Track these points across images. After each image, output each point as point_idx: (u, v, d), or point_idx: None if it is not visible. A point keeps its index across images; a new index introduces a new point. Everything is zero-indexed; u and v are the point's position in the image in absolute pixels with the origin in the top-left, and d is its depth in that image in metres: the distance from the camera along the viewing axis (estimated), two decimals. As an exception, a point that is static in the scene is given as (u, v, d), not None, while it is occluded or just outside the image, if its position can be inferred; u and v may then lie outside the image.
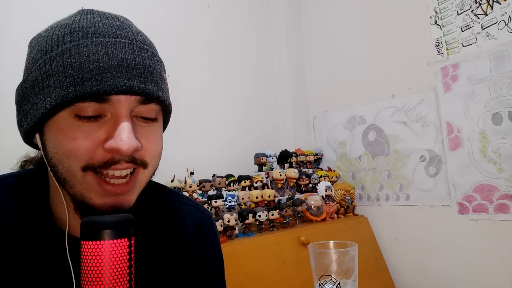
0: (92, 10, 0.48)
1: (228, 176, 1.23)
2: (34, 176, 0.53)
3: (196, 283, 0.59)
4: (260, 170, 1.43)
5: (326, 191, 1.47)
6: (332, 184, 1.53)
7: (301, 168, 1.59)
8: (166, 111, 0.51)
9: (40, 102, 0.43)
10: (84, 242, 0.36)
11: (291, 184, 1.44)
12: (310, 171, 1.60)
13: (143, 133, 0.46)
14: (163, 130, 0.55)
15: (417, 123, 1.46)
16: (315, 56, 1.89)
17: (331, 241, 0.75)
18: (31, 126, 0.44)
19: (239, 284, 0.96)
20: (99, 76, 0.41)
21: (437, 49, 1.40)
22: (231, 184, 1.21)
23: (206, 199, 1.11)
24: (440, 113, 1.39)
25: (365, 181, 1.64)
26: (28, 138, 0.47)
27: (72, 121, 0.42)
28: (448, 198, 1.36)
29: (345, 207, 1.55)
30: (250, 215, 1.13)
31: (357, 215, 1.59)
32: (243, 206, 1.19)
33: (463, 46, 1.33)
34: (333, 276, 0.68)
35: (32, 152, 0.58)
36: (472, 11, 1.31)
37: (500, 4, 1.24)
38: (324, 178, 1.55)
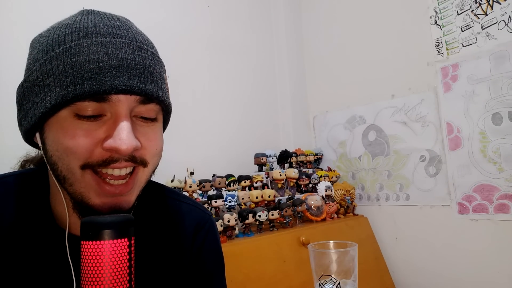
0: (93, 10, 0.48)
1: (228, 176, 1.23)
2: (34, 175, 0.53)
3: (196, 282, 0.59)
4: (260, 170, 1.43)
5: (326, 191, 1.47)
6: (332, 184, 1.53)
7: (301, 168, 1.59)
8: (166, 111, 0.51)
9: (41, 101, 0.43)
10: (84, 242, 0.36)
11: (291, 184, 1.44)
12: (310, 171, 1.60)
13: (143, 132, 0.47)
14: (163, 130, 0.55)
15: (417, 123, 1.46)
16: (315, 56, 1.89)
17: (331, 241, 0.75)
18: (32, 125, 0.44)
19: (239, 284, 0.96)
20: (99, 75, 0.41)
21: (437, 49, 1.40)
22: (231, 184, 1.21)
23: (206, 199, 1.11)
24: (440, 113, 1.39)
25: (365, 181, 1.64)
26: (28, 137, 0.48)
27: (72, 120, 0.42)
28: (448, 198, 1.36)
29: (345, 207, 1.55)
30: (250, 215, 1.13)
31: (357, 215, 1.59)
32: (243, 206, 1.19)
33: (463, 46, 1.33)
34: (333, 276, 0.68)
35: (32, 151, 0.58)
36: (472, 11, 1.31)
37: (500, 4, 1.24)
38: (324, 178, 1.55)
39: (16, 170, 0.58)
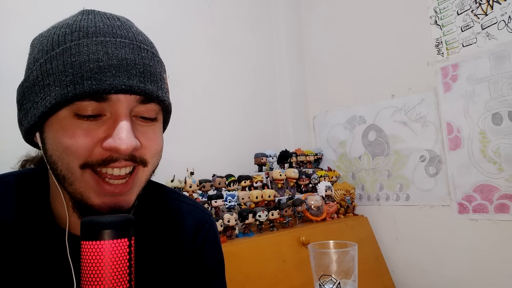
0: (94, 10, 0.48)
1: (228, 176, 1.23)
2: (35, 175, 0.53)
3: (196, 282, 0.59)
4: (260, 170, 1.43)
5: (326, 191, 1.47)
6: (332, 184, 1.53)
7: (301, 168, 1.59)
8: (166, 111, 0.51)
9: (41, 100, 0.43)
10: (84, 242, 0.36)
11: (291, 184, 1.44)
12: (310, 171, 1.60)
13: (143, 132, 0.47)
14: (164, 130, 0.55)
15: (417, 123, 1.46)
16: (315, 56, 1.89)
17: (331, 241, 0.75)
18: (32, 125, 0.44)
19: (239, 284, 0.96)
20: (98, 75, 0.41)
21: (437, 49, 1.40)
22: (231, 184, 1.21)
23: (206, 199, 1.11)
24: (440, 113, 1.39)
25: (365, 181, 1.64)
26: (28, 137, 0.48)
27: (71, 119, 0.42)
28: (448, 198, 1.36)
29: (345, 207, 1.55)
30: (250, 215, 1.13)
31: (357, 215, 1.59)
32: (243, 206, 1.19)
33: (463, 46, 1.33)
34: (333, 276, 0.68)
35: (32, 151, 0.58)
36: (472, 11, 1.31)
37: (500, 4, 1.24)
38: (324, 178, 1.55)
39: (17, 169, 0.58)
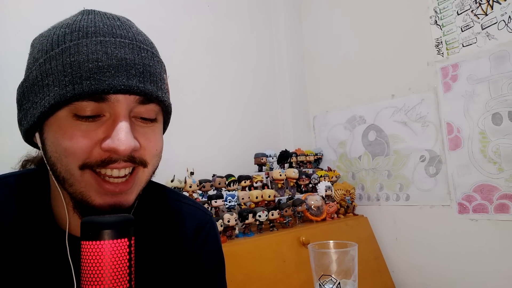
0: (94, 10, 0.48)
1: (228, 176, 1.23)
2: (35, 175, 0.53)
3: (196, 283, 0.59)
4: (260, 170, 1.43)
5: (326, 191, 1.47)
6: (332, 184, 1.53)
7: (301, 168, 1.59)
8: (166, 111, 0.51)
9: (40, 100, 0.43)
10: (84, 242, 0.36)
11: (291, 184, 1.44)
12: (310, 171, 1.60)
13: (143, 133, 0.46)
14: (164, 131, 0.55)
15: (417, 123, 1.46)
16: (315, 56, 1.89)
17: (331, 241, 0.75)
18: (31, 125, 0.44)
19: (239, 284, 0.96)
20: (97, 75, 0.41)
21: (437, 49, 1.40)
22: (231, 184, 1.21)
23: (206, 199, 1.11)
24: (440, 113, 1.39)
25: (365, 181, 1.64)
26: (28, 137, 0.47)
27: (71, 120, 0.42)
28: (448, 198, 1.36)
29: (345, 207, 1.55)
30: (250, 215, 1.13)
31: (357, 215, 1.59)
32: (243, 206, 1.19)
33: (463, 46, 1.33)
34: (333, 276, 0.68)
35: (33, 151, 0.58)
36: (472, 11, 1.31)
37: (500, 4, 1.24)
38: (324, 178, 1.55)
39: (17, 170, 0.58)
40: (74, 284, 0.45)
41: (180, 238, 0.59)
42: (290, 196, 1.41)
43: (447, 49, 1.38)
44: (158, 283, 0.55)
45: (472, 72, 1.30)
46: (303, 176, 1.46)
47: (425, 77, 1.44)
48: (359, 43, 1.68)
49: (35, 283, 0.47)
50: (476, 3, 1.30)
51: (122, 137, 0.42)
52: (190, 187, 1.10)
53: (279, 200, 1.33)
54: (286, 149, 1.51)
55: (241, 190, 1.23)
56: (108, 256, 0.36)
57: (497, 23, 1.24)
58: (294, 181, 1.44)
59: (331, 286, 0.67)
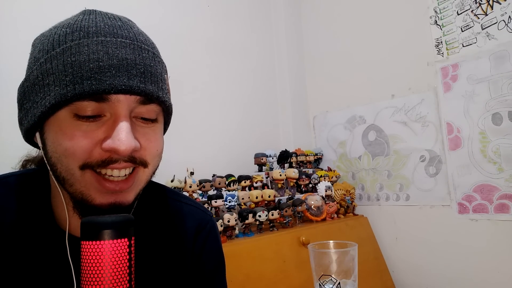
0: (95, 10, 0.48)
1: (228, 176, 1.23)
2: (35, 175, 0.53)
3: (197, 283, 0.59)
4: (260, 170, 1.43)
5: (326, 191, 1.47)
6: (332, 184, 1.53)
7: (301, 168, 1.59)
8: (166, 112, 0.51)
9: (40, 100, 0.43)
10: (84, 242, 0.36)
11: (291, 184, 1.44)
12: (310, 171, 1.60)
13: (143, 133, 0.46)
14: (164, 132, 0.55)
15: (417, 123, 1.46)
16: (315, 56, 1.89)
17: (331, 241, 0.75)
18: (31, 125, 0.44)
19: (239, 284, 0.96)
20: (98, 75, 0.41)
21: (437, 49, 1.40)
22: (231, 184, 1.21)
23: (206, 199, 1.11)
24: (440, 113, 1.39)
25: (365, 181, 1.64)
26: (28, 137, 0.47)
27: (71, 120, 0.42)
28: (448, 198, 1.36)
29: (345, 207, 1.55)
30: (250, 215, 1.13)
31: (357, 215, 1.59)
32: (243, 206, 1.19)
33: (463, 46, 1.33)
34: (333, 276, 0.68)
35: (33, 151, 0.58)
36: (472, 11, 1.31)
37: (500, 4, 1.24)
38: (324, 178, 1.55)
39: (18, 170, 0.58)
40: (74, 284, 0.45)
41: (181, 238, 0.59)
42: (290, 196, 1.41)
43: (447, 49, 1.38)
44: (158, 283, 0.55)
45: (472, 72, 1.30)
46: (303, 176, 1.46)
47: (425, 77, 1.44)
48: (359, 43, 1.68)
49: (35, 283, 0.47)
50: (476, 3, 1.30)
51: (123, 137, 0.42)
52: (190, 187, 1.10)
53: (279, 200, 1.33)
54: (286, 149, 1.51)
55: (241, 190, 1.23)
56: (108, 256, 0.36)
57: (497, 23, 1.24)
58: (294, 181, 1.44)
59: (331, 286, 0.67)
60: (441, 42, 1.39)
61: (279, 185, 1.37)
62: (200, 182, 1.14)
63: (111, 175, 0.44)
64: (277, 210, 1.22)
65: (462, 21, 1.33)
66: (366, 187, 1.64)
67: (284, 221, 1.26)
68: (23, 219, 0.49)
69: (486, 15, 1.27)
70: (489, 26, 1.26)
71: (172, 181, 1.06)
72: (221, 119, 1.54)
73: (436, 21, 1.41)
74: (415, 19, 1.47)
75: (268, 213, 1.18)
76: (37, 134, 0.46)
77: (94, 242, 0.36)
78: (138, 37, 0.46)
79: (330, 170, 1.69)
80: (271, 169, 1.46)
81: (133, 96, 0.43)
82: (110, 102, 0.42)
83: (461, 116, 1.33)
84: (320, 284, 0.69)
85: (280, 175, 1.36)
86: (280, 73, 1.85)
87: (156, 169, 0.51)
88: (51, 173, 0.46)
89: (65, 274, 0.46)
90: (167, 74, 0.51)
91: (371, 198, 1.61)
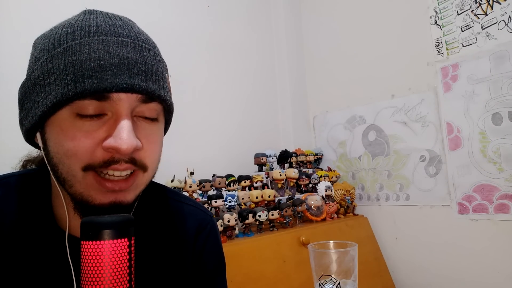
0: (96, 10, 0.48)
1: (228, 176, 1.23)
2: (36, 176, 0.53)
3: (197, 283, 0.59)
4: (260, 170, 1.43)
5: (326, 191, 1.47)
6: (332, 184, 1.53)
7: (301, 168, 1.59)
8: (167, 111, 0.50)
9: (41, 100, 0.43)
10: (84, 242, 0.36)
11: (291, 184, 1.44)
12: (310, 171, 1.60)
13: (144, 133, 0.46)
14: (165, 131, 0.55)
15: (417, 123, 1.46)
16: (315, 56, 1.89)
17: (331, 241, 0.75)
18: (32, 125, 0.44)
19: (239, 284, 0.96)
20: (99, 73, 0.41)
21: (437, 49, 1.40)
22: (231, 184, 1.21)
23: (206, 199, 1.11)
24: (440, 113, 1.39)
25: (365, 181, 1.64)
26: (29, 137, 0.47)
27: (72, 120, 0.42)
28: (448, 198, 1.36)
29: (345, 207, 1.55)
30: (250, 215, 1.13)
31: (357, 215, 1.59)
32: (243, 206, 1.19)
33: (463, 46, 1.33)
34: (333, 276, 0.68)
35: (34, 151, 0.58)
36: (472, 11, 1.31)
37: (500, 4, 1.24)
38: (324, 178, 1.54)
39: (18, 170, 0.58)
40: (74, 284, 0.45)
41: (181, 238, 0.59)
42: (290, 196, 1.41)
43: (447, 49, 1.38)
44: (159, 283, 0.55)
45: (472, 72, 1.30)
46: (303, 176, 1.46)
47: (425, 77, 1.44)
48: (359, 43, 1.68)
49: (35, 283, 0.47)
50: (476, 3, 1.30)
51: (124, 136, 0.42)
52: (190, 187, 1.10)
53: (279, 200, 1.33)
54: (286, 149, 1.51)
55: (241, 190, 1.23)
56: (108, 256, 0.36)
57: (497, 23, 1.24)
58: (294, 181, 1.44)
59: (331, 286, 0.67)
60: (441, 42, 1.39)
61: (279, 185, 1.37)
62: (200, 182, 1.14)
63: (112, 175, 0.44)
64: (277, 210, 1.22)
65: (462, 21, 1.33)
66: (366, 187, 1.64)
67: (284, 221, 1.26)
68: (23, 219, 0.49)
69: (486, 15, 1.27)
70: (489, 26, 1.26)
71: (172, 181, 1.06)
72: (221, 119, 1.54)
73: (436, 21, 1.41)
74: (415, 19, 1.47)
75: (268, 213, 1.18)
76: (38, 134, 0.46)
77: (94, 242, 0.36)
78: (139, 36, 0.46)
79: (330, 170, 1.69)
80: (271, 169, 1.46)
81: (134, 95, 0.43)
82: (112, 101, 0.42)
83: (461, 116, 1.33)
84: (320, 284, 0.68)
85: (280, 175, 1.36)
86: (280, 73, 1.85)
87: (154, 174, 0.51)
88: (51, 173, 0.46)
89: (65, 274, 0.46)
90: (168, 73, 0.51)
91: (371, 198, 1.61)
